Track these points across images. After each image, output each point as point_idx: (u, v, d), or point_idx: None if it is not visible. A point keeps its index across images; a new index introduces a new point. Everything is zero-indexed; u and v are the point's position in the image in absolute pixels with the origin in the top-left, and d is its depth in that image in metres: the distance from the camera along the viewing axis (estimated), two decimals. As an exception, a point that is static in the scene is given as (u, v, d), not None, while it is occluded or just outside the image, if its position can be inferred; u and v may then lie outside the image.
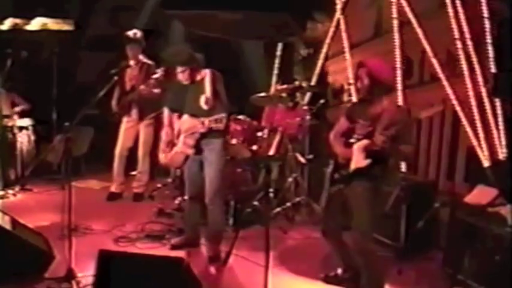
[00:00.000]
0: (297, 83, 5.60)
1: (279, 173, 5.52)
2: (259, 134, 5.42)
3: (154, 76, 5.18)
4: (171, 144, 4.18)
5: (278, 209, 5.14)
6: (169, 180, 5.79)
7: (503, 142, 4.41)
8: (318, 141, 5.38)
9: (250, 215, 4.88)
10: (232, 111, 4.73)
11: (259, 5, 6.01)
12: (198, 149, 4.05)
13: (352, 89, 3.54)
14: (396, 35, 5.40)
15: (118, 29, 7.01)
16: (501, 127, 4.42)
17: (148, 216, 5.09)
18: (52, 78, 6.13)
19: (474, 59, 4.59)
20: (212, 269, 3.97)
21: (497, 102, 4.46)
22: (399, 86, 5.31)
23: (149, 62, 5.68)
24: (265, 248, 3.14)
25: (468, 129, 4.63)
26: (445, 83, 4.86)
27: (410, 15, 5.23)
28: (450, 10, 4.75)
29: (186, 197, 4.42)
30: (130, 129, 5.76)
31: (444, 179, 4.98)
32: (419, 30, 5.11)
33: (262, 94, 5.52)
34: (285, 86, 5.62)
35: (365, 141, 3.34)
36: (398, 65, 5.36)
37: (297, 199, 5.31)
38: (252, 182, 5.44)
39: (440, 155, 5.03)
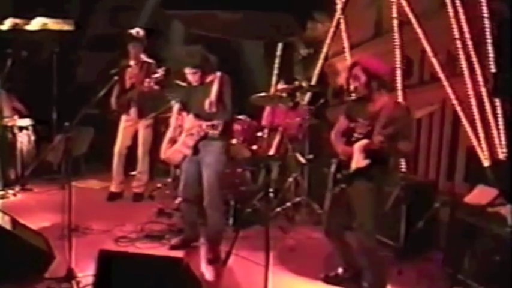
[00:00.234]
0: (297, 82, 5.60)
1: (279, 173, 5.52)
2: (259, 134, 5.42)
3: (155, 75, 5.17)
4: (173, 141, 4.19)
5: (278, 209, 5.14)
6: (169, 180, 5.79)
7: (503, 142, 4.41)
8: (318, 141, 5.37)
9: (250, 215, 4.87)
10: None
11: (259, 5, 6.01)
12: (196, 149, 4.05)
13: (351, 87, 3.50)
14: (396, 35, 5.40)
15: (118, 29, 7.03)
16: (501, 127, 4.42)
17: (148, 216, 5.09)
18: (52, 78, 6.12)
19: (474, 59, 4.59)
20: (212, 269, 3.97)
21: (497, 102, 4.46)
22: (399, 86, 5.32)
23: (150, 60, 5.69)
24: (265, 248, 3.14)
25: (468, 129, 4.64)
26: (445, 83, 4.86)
27: (410, 15, 5.23)
28: (450, 10, 4.76)
29: (179, 199, 4.38)
30: (129, 128, 5.76)
31: (444, 179, 4.98)
32: (419, 30, 5.12)
33: (262, 94, 5.51)
34: (285, 86, 5.62)
35: (364, 141, 3.34)
36: (398, 65, 5.36)
37: (297, 199, 5.31)
38: (252, 182, 5.43)
39: (440, 155, 5.04)
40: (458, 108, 4.73)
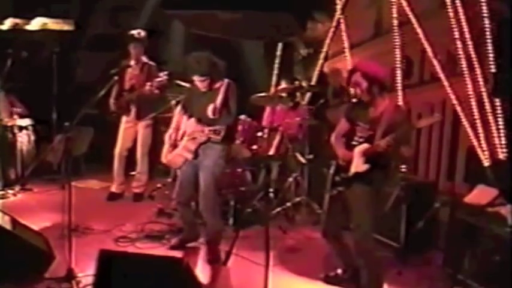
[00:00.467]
0: (297, 82, 5.60)
1: (279, 173, 5.52)
2: (259, 134, 5.42)
3: (158, 80, 5.13)
4: (174, 145, 4.18)
5: (278, 209, 5.14)
6: (169, 180, 5.79)
7: (503, 142, 4.41)
8: (318, 141, 5.38)
9: (250, 215, 4.88)
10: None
11: (259, 4, 6.02)
12: (197, 153, 4.04)
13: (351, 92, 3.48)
14: (396, 35, 5.40)
15: (118, 29, 7.03)
16: (501, 127, 4.42)
17: (148, 216, 5.09)
18: (52, 78, 6.12)
19: (474, 59, 4.59)
20: (212, 269, 3.97)
21: (497, 102, 4.46)
22: (399, 86, 5.32)
23: (151, 63, 5.68)
24: (265, 248, 3.14)
25: (468, 129, 4.63)
26: (445, 83, 4.86)
27: (410, 15, 5.23)
28: (450, 10, 4.76)
29: (174, 202, 4.36)
30: (129, 130, 5.75)
31: (444, 179, 4.98)
32: (419, 30, 5.12)
33: (262, 94, 5.51)
34: (285, 86, 5.62)
35: (365, 146, 3.34)
36: (398, 65, 5.36)
37: (297, 199, 5.31)
38: (252, 182, 5.44)
39: (440, 155, 5.04)
40: (458, 108, 4.73)
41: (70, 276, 3.49)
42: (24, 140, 6.24)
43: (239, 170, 5.28)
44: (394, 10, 5.43)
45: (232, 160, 5.14)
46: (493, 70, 4.45)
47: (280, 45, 7.06)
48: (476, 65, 4.57)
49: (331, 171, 3.56)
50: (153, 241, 4.44)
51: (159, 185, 5.93)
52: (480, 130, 4.55)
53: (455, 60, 4.74)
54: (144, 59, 5.68)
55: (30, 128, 6.33)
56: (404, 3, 5.30)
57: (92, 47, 7.86)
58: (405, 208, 4.17)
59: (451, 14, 4.75)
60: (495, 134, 4.46)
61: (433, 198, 4.38)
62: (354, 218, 3.42)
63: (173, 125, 4.28)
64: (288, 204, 5.22)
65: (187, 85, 4.60)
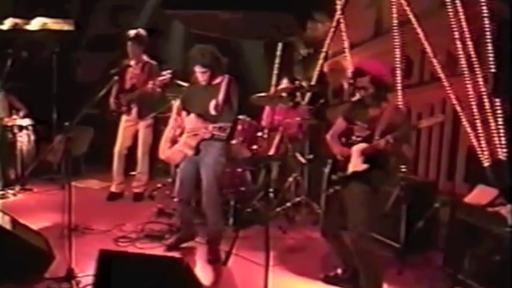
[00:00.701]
0: (297, 82, 5.60)
1: (279, 173, 5.52)
2: (259, 134, 5.42)
3: (161, 78, 5.11)
4: (173, 141, 4.17)
5: (278, 209, 5.14)
6: (169, 180, 5.79)
7: (503, 142, 4.41)
8: (318, 141, 5.37)
9: (250, 215, 4.88)
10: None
11: (259, 5, 6.01)
12: (197, 150, 4.04)
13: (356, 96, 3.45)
14: (396, 35, 5.40)
15: (118, 29, 7.02)
16: (501, 127, 4.42)
17: (148, 216, 5.09)
18: (52, 78, 6.12)
19: (474, 59, 4.59)
20: (212, 269, 3.97)
21: (497, 102, 4.46)
22: (399, 86, 5.32)
23: (152, 62, 5.68)
24: (265, 248, 3.14)
25: (468, 129, 4.63)
26: (445, 83, 4.86)
27: (410, 15, 5.23)
28: (450, 10, 4.76)
29: (175, 199, 4.35)
30: (129, 128, 5.76)
31: (444, 179, 4.98)
32: (419, 30, 5.12)
33: (262, 94, 5.51)
34: (285, 86, 5.62)
35: (363, 145, 3.34)
36: (398, 65, 5.36)
37: (297, 199, 5.31)
38: (252, 182, 5.44)
39: (440, 155, 5.04)
40: (458, 108, 4.73)
41: (70, 276, 3.49)
42: (24, 140, 6.25)
43: (239, 170, 5.28)
44: (394, 10, 5.42)
45: (232, 160, 5.15)
46: (493, 70, 4.44)
47: (280, 45, 7.06)
48: (476, 65, 4.57)
49: (327, 169, 3.56)
50: (153, 241, 4.44)
51: (159, 185, 5.94)
52: (480, 130, 4.55)
53: (455, 60, 4.74)
54: (145, 58, 5.68)
55: (30, 128, 6.34)
56: (404, 3, 5.30)
57: (92, 47, 7.86)
58: (405, 208, 4.17)
59: (451, 14, 4.75)
60: (495, 134, 4.46)
61: (433, 198, 4.38)
62: (350, 218, 3.42)
63: (172, 120, 4.26)
64: (288, 204, 5.22)
65: (187, 85, 4.59)
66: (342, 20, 6.29)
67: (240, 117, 5.37)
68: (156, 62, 5.68)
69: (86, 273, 3.47)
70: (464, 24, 4.66)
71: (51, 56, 6.28)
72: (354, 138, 3.42)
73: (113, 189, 5.88)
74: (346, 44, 6.22)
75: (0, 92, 6.08)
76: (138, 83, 5.56)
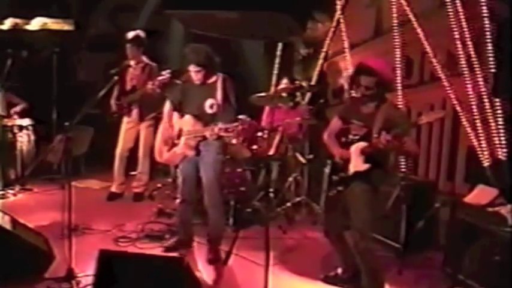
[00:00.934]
0: (297, 82, 5.60)
1: (279, 173, 5.51)
2: (259, 134, 5.42)
3: (161, 78, 5.10)
4: (171, 143, 4.16)
5: (278, 209, 5.14)
6: (170, 180, 5.79)
7: (503, 142, 4.41)
8: (318, 141, 5.37)
9: (250, 215, 4.88)
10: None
11: (259, 5, 6.01)
12: (198, 150, 4.03)
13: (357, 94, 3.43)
14: (396, 35, 5.40)
15: (118, 29, 7.02)
16: (501, 127, 4.42)
17: (148, 216, 5.08)
18: (52, 78, 6.12)
19: (474, 59, 4.59)
20: (212, 269, 3.97)
21: (497, 102, 4.46)
22: (399, 86, 5.32)
23: (152, 63, 5.68)
24: (265, 248, 3.14)
25: (468, 129, 4.63)
26: (445, 83, 4.86)
27: (410, 15, 5.23)
28: (450, 10, 4.76)
29: (178, 200, 4.33)
30: (130, 130, 5.75)
31: (444, 179, 4.98)
32: (419, 30, 5.12)
33: (262, 94, 5.51)
34: (285, 86, 5.62)
35: (363, 144, 3.33)
36: (398, 65, 5.36)
37: (297, 199, 5.31)
38: (252, 182, 5.43)
39: (440, 155, 5.04)
40: (458, 108, 4.73)
41: (70, 276, 3.49)
42: (24, 140, 6.24)
43: (239, 170, 5.28)
44: (394, 10, 5.42)
45: (232, 160, 5.15)
46: (493, 70, 4.44)
47: (280, 45, 7.06)
48: (476, 65, 4.57)
49: (327, 170, 3.55)
50: (153, 241, 4.44)
51: (159, 185, 5.93)
52: (480, 130, 4.55)
53: (455, 60, 4.74)
54: (145, 59, 5.68)
55: (30, 128, 6.33)
56: (404, 3, 5.30)
57: (92, 47, 7.86)
58: (405, 208, 4.17)
59: (451, 14, 4.75)
60: (495, 134, 4.46)
61: (433, 198, 4.39)
62: (352, 218, 3.42)
63: (164, 123, 4.24)
64: (288, 204, 5.22)
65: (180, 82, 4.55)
66: (342, 20, 6.29)
67: (240, 117, 5.36)
68: (155, 64, 5.67)
69: (86, 273, 3.47)
70: (464, 24, 4.66)
71: (51, 56, 6.28)
72: (351, 136, 3.42)
73: (113, 189, 5.88)
74: (346, 44, 6.21)
75: (0, 92, 6.07)
76: (139, 84, 5.56)
